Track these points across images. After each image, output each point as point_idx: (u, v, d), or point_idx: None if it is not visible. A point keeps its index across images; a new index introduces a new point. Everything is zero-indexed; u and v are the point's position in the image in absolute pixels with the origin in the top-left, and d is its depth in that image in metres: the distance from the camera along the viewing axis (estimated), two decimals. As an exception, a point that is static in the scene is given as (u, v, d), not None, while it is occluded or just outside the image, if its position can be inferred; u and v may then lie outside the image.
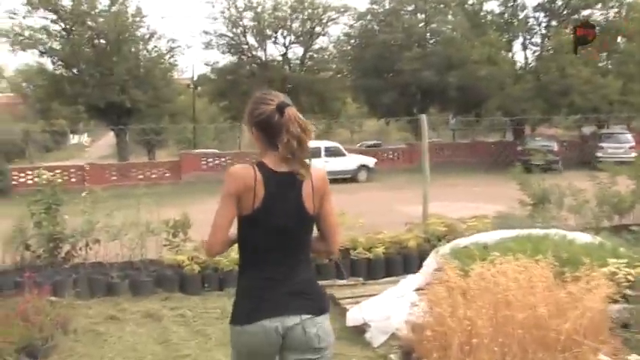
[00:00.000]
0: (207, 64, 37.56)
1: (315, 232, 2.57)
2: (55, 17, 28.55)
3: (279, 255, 2.44)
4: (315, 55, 36.91)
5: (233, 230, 2.48)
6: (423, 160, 8.89)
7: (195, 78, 41.12)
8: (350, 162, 24.55)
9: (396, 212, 13.08)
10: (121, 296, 6.47)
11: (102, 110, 28.85)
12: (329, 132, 48.75)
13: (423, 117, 9.07)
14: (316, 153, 23.87)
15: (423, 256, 6.78)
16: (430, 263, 6.12)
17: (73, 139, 68.93)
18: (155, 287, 6.63)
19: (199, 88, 41.87)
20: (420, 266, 6.46)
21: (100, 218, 7.19)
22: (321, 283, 3.83)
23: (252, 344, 2.40)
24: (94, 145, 62.19)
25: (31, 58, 39.95)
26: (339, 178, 23.25)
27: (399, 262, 7.39)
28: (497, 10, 31.99)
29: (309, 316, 2.42)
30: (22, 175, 23.95)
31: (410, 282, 6.07)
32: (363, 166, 24.84)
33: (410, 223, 8.51)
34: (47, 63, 29.84)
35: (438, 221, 8.29)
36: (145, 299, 6.43)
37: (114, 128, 28.83)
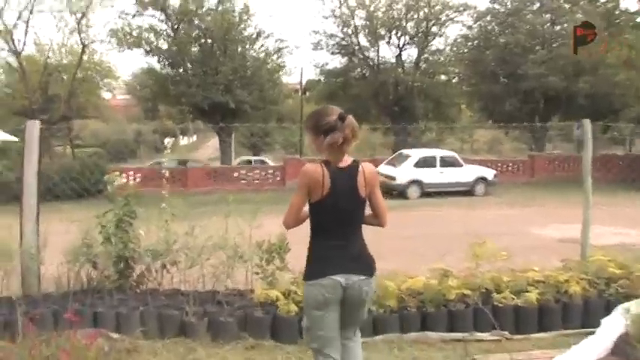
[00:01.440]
0: (316, 66, 36.56)
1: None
2: (162, 17, 28.46)
3: (341, 229, 3.37)
4: (431, 58, 34.72)
5: (305, 210, 3.42)
6: (584, 175, 7.02)
7: (302, 81, 40.32)
8: (467, 173, 22.36)
9: (526, 235, 11.25)
10: (197, 340, 5.10)
11: (205, 111, 28.39)
12: (440, 140, 46.53)
13: (587, 122, 7.16)
14: (431, 162, 22.08)
15: (589, 308, 5.68)
16: (614, 325, 4.54)
17: (183, 140, 70.66)
18: (240, 331, 5.19)
19: (307, 93, 41.01)
20: (585, 320, 5.53)
21: (181, 234, 5.89)
22: (454, 334, 5.33)
23: (324, 293, 3.29)
24: (203, 147, 63.17)
25: (137, 58, 40.71)
26: (454, 191, 21.39)
27: (557, 312, 5.65)
28: (633, 8, 28.66)
29: (363, 277, 3.37)
30: (124, 175, 23.75)
31: (585, 350, 4.38)
32: (481, 179, 22.55)
33: (566, 259, 6.67)
34: (154, 63, 29.91)
35: (605, 258, 6.37)
36: (226, 346, 5.03)
37: (217, 127, 28.20)
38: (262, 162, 33.40)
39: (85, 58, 30.33)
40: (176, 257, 5.87)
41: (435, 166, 22.05)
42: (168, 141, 45.35)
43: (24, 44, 29.17)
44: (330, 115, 3.26)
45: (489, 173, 23.02)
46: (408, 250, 8.78)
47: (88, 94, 35.02)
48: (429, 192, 20.83)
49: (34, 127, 6.17)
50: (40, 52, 31.83)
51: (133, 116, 55.09)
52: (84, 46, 29.61)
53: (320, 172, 3.24)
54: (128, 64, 77.85)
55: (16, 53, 28.32)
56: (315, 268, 3.34)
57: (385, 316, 5.33)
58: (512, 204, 18.21)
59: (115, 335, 5.17)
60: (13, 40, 27.98)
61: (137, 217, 6.10)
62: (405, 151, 23.84)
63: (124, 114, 55.48)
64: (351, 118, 3.25)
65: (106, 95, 43.93)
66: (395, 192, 20.99)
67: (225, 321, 5.18)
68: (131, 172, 24.22)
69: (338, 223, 3.33)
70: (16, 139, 20.67)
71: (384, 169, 21.93)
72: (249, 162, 34.64)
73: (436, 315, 5.41)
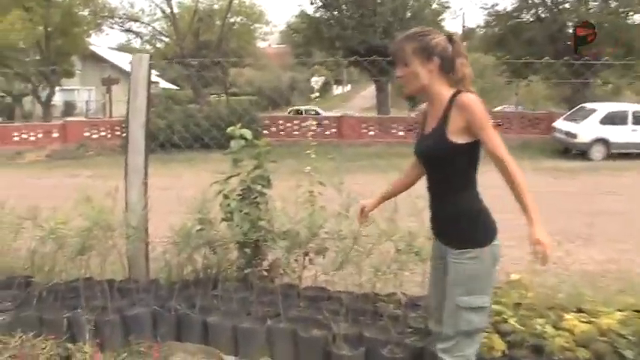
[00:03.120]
0: (483, 7, 33.19)
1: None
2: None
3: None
4: (624, -6, 30.03)
5: None
6: None
7: (465, 25, 37.08)
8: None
9: None
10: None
11: (361, 55, 26.56)
12: (617, 93, 40.94)
13: None
14: (621, 118, 18.94)
15: None
16: None
17: (337, 90, 69.75)
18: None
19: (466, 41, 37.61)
20: None
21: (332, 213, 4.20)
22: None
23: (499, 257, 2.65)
24: (357, 97, 61.87)
25: (290, 3, 39.57)
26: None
27: None
28: None
29: None
30: (274, 124, 22.92)
31: None
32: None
33: None
34: (307, 5, 28.55)
35: None
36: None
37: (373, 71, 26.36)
38: (316, 113, 30.10)
39: (235, 1, 29.57)
40: (323, 245, 4.18)
41: (626, 123, 19.09)
42: (315, 81, 43.90)
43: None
44: (434, 33, 2.64)
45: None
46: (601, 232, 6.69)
47: (240, 40, 34.54)
48: (617, 153, 18.58)
49: (140, 63, 4.72)
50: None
51: (287, 65, 54.86)
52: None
53: None
54: (282, 13, 77.91)
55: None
56: (491, 225, 2.67)
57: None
58: None
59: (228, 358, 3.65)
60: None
61: (272, 185, 4.52)
62: (588, 105, 20.98)
63: (278, 62, 55.42)
64: (458, 37, 2.68)
65: (261, 44, 43.54)
66: (575, 151, 19.15)
67: (391, 357, 3.43)
68: (281, 122, 23.28)
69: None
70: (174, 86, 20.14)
71: (563, 125, 19.29)
72: (299, 112, 32.21)
73: None
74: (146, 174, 4.76)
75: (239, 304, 4.10)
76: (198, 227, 4.32)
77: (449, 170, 2.62)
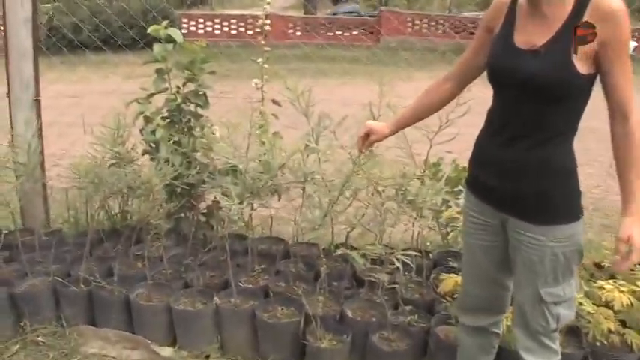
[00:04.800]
0: None
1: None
2: None
3: None
4: None
5: None
6: None
7: None
8: None
9: None
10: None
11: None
12: None
13: None
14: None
15: None
16: None
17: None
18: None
19: None
20: None
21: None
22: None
23: None
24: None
25: None
26: None
27: None
28: None
29: None
30: (193, 23, 21.13)
31: None
32: None
33: None
34: None
35: None
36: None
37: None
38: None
39: None
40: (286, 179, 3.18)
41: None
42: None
43: None
44: None
45: None
46: None
47: None
48: None
49: None
50: None
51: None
52: None
53: None
54: None
55: None
56: (579, 195, 1.82)
57: None
58: None
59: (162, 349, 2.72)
60: None
61: (209, 105, 3.47)
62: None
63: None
64: None
65: None
66: None
67: (393, 350, 2.58)
68: (200, 20, 21.56)
69: None
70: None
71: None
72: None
73: None
74: (37, 88, 3.58)
75: (172, 268, 3.13)
76: (111, 162, 3.22)
77: (561, 110, 1.71)
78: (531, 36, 1.72)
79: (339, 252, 2.71)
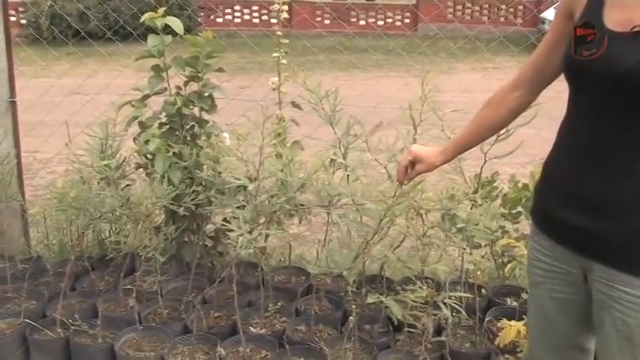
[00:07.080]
0: None
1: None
2: None
3: None
4: None
5: None
6: None
7: None
8: None
9: None
10: None
11: None
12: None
13: None
14: None
15: None
16: None
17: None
18: None
19: None
20: None
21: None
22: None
23: None
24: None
25: None
26: None
27: None
28: None
29: None
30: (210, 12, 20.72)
31: None
32: None
33: None
34: None
35: None
36: None
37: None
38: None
39: None
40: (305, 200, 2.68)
41: None
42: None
43: None
44: None
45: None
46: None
47: None
48: None
49: None
50: None
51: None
52: None
53: None
54: None
55: None
56: None
57: None
58: None
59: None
60: None
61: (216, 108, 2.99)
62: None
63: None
64: None
65: None
66: None
67: None
68: (220, 7, 21.15)
69: None
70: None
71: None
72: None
73: None
74: (12, 87, 3.14)
75: (169, 307, 2.67)
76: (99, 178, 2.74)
77: None
78: (631, 11, 1.24)
79: (370, 300, 2.22)
